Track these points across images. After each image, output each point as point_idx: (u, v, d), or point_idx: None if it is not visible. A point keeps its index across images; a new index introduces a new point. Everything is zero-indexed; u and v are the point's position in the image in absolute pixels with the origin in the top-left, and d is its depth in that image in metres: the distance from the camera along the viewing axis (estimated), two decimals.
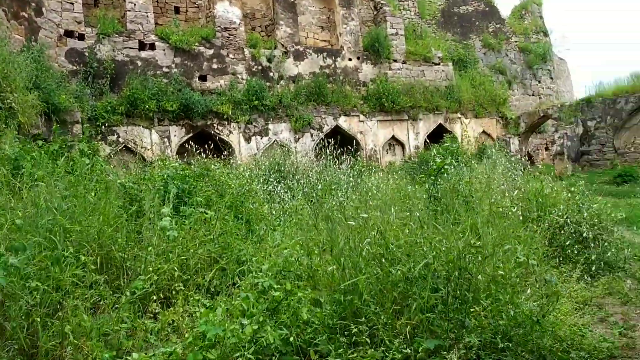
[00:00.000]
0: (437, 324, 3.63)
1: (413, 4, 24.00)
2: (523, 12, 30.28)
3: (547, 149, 26.03)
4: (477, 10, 27.89)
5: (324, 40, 21.65)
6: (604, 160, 20.12)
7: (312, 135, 18.52)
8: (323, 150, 14.88)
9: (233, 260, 5.19)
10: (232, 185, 7.63)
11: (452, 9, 27.10)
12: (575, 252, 6.20)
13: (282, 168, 12.65)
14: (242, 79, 17.85)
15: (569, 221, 6.50)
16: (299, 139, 18.26)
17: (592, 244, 6.27)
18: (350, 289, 3.83)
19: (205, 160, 11.33)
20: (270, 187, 10.28)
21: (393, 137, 20.82)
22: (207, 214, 5.70)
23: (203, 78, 17.28)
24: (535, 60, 29.04)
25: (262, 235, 6.20)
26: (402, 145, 21.12)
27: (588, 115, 20.66)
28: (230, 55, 17.80)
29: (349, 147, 17.42)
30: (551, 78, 30.46)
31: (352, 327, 3.59)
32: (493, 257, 4.46)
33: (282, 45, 19.13)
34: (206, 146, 14.43)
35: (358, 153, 18.95)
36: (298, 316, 3.66)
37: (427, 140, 20.67)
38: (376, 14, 22.42)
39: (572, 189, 7.18)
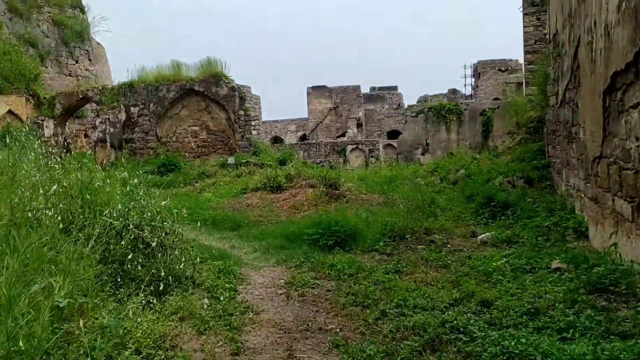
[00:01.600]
0: None
1: None
2: None
3: (87, 135, 24.09)
4: None
5: None
6: (147, 148, 19.77)
7: None
8: None
9: None
10: None
11: None
12: (140, 266, 4.65)
13: None
14: None
15: (129, 225, 4.90)
16: None
17: (159, 254, 4.86)
18: None
19: None
20: None
21: None
22: None
23: None
24: (72, 37, 26.61)
25: None
26: None
27: (131, 100, 19.88)
28: None
29: None
30: (90, 60, 28.66)
31: None
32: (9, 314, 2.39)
33: None
34: None
35: None
36: None
37: None
38: None
39: (134, 180, 5.61)
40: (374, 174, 15.82)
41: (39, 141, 17.02)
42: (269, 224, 9.56)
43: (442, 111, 18.72)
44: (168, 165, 17.88)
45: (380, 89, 69.81)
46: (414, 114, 19.68)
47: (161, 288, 4.56)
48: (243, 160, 17.87)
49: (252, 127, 19.21)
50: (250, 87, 20.57)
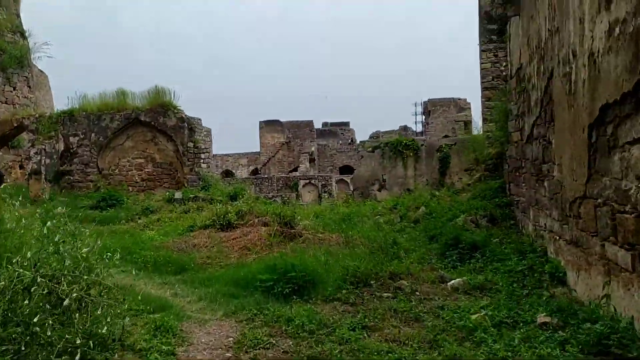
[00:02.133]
0: None
1: None
2: None
3: (22, 167, 22.50)
4: None
5: None
6: (87, 181, 18.50)
7: None
8: None
9: None
10: None
11: None
12: (50, 330, 3.76)
13: None
14: None
15: (40, 277, 4.00)
16: None
17: (76, 313, 3.95)
18: None
19: None
20: None
21: None
22: None
23: None
24: (11, 63, 25.12)
25: None
26: None
27: (71, 130, 18.66)
28: None
29: None
30: (29, 87, 27.14)
31: None
32: None
33: None
34: None
35: None
36: None
37: None
38: None
39: (51, 221, 4.70)
40: (330, 211, 15.17)
41: None
42: (217, 267, 8.69)
43: (399, 147, 18.42)
44: (109, 200, 16.69)
45: (333, 124, 70.34)
46: (370, 149, 19.31)
47: (77, 358, 3.66)
48: (191, 195, 16.90)
49: (202, 160, 18.32)
50: (200, 119, 19.78)
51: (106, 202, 16.68)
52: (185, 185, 18.24)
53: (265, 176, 47.85)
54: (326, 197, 42.80)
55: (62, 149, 18.57)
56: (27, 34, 28.37)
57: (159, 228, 14.58)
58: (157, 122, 18.36)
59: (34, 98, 27.40)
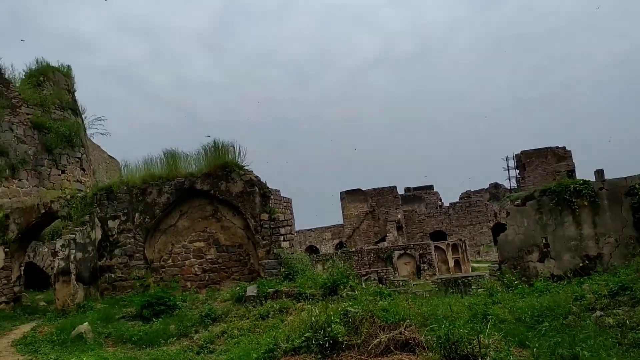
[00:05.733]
0: None
1: None
2: (42, 79, 22.92)
3: None
4: None
5: None
6: (132, 279, 13.66)
7: None
8: None
9: None
10: None
11: None
12: None
13: None
14: None
15: None
16: None
17: None
18: None
19: None
20: None
21: None
22: None
23: None
24: (58, 143, 21.73)
25: None
26: None
27: (109, 211, 14.15)
28: None
29: None
30: (83, 169, 23.62)
31: None
32: None
33: None
34: None
35: None
36: None
37: None
38: None
39: None
40: (492, 306, 9.24)
41: None
42: None
43: (564, 193, 12.42)
44: (156, 305, 11.69)
45: (416, 189, 65.98)
46: (518, 201, 13.34)
47: None
48: (270, 290, 11.59)
49: (282, 237, 13.06)
50: (279, 190, 14.90)
51: (152, 308, 11.68)
52: (261, 274, 12.99)
53: (353, 250, 42.33)
54: (425, 268, 36.58)
55: (100, 237, 13.98)
56: (81, 110, 25.43)
57: (223, 351, 9.28)
58: (218, 190, 13.49)
59: (90, 182, 23.80)
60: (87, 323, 11.19)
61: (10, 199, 18.55)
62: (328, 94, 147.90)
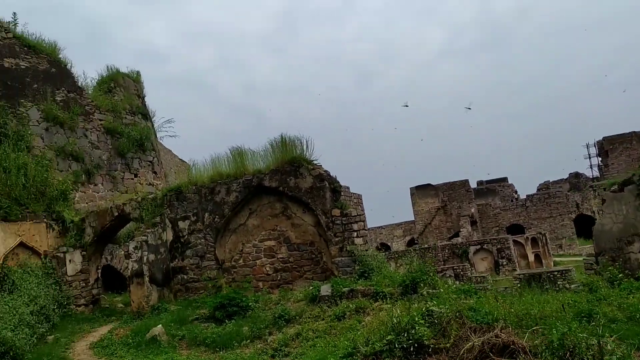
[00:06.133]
0: None
1: None
2: (112, 85, 23.47)
3: None
4: (37, 69, 19.66)
5: None
6: (203, 280, 13.48)
7: None
8: None
9: None
10: None
11: None
12: None
13: None
14: None
15: None
16: None
17: None
18: None
19: None
20: None
21: None
22: None
23: None
24: (129, 147, 22.16)
25: None
26: None
27: (179, 212, 14.05)
28: None
29: None
30: (154, 172, 24.03)
31: None
32: None
33: None
34: None
35: None
36: None
37: None
38: None
39: None
40: (597, 303, 8.19)
41: (54, 287, 11.17)
42: None
43: None
44: (229, 306, 11.40)
45: (489, 182, 63.31)
46: (614, 187, 12.03)
47: None
48: (345, 289, 11.01)
49: (355, 234, 12.44)
50: (348, 187, 14.28)
51: (225, 309, 11.39)
52: (335, 273, 12.43)
53: (427, 246, 41.03)
54: (504, 263, 34.85)
55: (171, 238, 13.91)
56: (151, 114, 25.91)
57: (298, 354, 8.78)
58: (287, 186, 13.05)
59: (162, 184, 24.17)
60: (160, 325, 11.07)
61: (87, 203, 19.02)
62: (393, 89, 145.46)
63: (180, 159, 36.70)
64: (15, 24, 20.55)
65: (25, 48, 19.74)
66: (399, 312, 7.81)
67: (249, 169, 13.62)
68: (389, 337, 7.18)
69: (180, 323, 11.58)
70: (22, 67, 19.17)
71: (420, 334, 6.93)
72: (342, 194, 13.19)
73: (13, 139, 16.35)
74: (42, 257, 14.30)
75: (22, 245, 14.27)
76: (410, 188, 58.03)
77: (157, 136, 26.27)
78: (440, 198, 57.31)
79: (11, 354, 9.81)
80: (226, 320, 11.08)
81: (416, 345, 6.83)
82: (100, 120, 21.62)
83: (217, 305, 11.61)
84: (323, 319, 10.32)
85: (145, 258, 13.23)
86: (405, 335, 7.03)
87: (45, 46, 20.72)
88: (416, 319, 7.28)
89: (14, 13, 20.94)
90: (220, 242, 13.85)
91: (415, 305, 8.32)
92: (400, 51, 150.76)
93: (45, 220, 14.89)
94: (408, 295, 10.10)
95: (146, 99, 26.09)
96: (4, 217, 13.75)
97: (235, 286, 13.14)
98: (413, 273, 10.59)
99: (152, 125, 25.66)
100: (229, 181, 13.58)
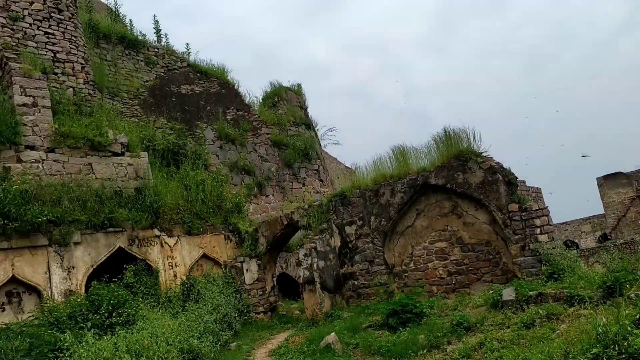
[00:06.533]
0: None
1: (82, 67, 15.97)
2: (276, 100, 24.49)
3: None
4: (209, 91, 21.19)
5: None
6: (374, 285, 13.09)
7: None
8: None
9: None
10: None
11: (167, 87, 19.93)
12: None
13: None
14: None
15: None
16: None
17: None
18: None
19: None
20: None
21: (14, 279, 11.60)
22: None
23: None
24: (295, 157, 22.86)
25: None
26: (38, 292, 11.92)
27: (345, 217, 13.86)
28: None
29: None
30: (321, 180, 24.48)
31: None
32: None
33: None
34: None
35: None
36: None
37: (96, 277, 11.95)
38: None
39: None
40: None
41: (234, 295, 11.85)
42: None
43: None
44: (401, 313, 10.82)
45: None
46: None
47: None
48: (531, 293, 9.76)
49: (539, 230, 11.06)
50: (524, 181, 12.92)
51: (398, 316, 10.83)
52: (517, 274, 11.17)
53: (622, 242, 36.26)
54: None
55: (339, 244, 13.78)
56: (314, 124, 26.55)
57: None
58: (455, 182, 12.11)
59: (329, 191, 24.56)
60: (334, 333, 10.85)
61: (260, 214, 19.93)
62: (568, 73, 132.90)
63: (345, 166, 37.28)
64: (189, 53, 22.55)
65: (198, 74, 21.46)
66: (604, 319, 6.53)
67: (412, 167, 12.95)
68: (594, 349, 5.98)
69: (353, 331, 11.28)
70: (197, 91, 20.83)
71: (636, 346, 5.66)
72: (517, 188, 11.87)
73: (192, 159, 17.73)
74: (222, 267, 15.14)
75: (204, 256, 15.28)
76: (597, 178, 52.18)
77: (321, 145, 26.88)
78: (635, 187, 50.71)
79: None
80: (400, 328, 10.49)
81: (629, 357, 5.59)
82: (267, 134, 22.65)
83: (390, 312, 11.08)
84: (508, 327, 9.20)
85: (315, 265, 13.24)
86: (617, 347, 5.80)
87: (215, 70, 22.36)
88: (628, 327, 5.99)
89: (187, 43, 23.06)
90: (389, 245, 13.34)
91: (625, 310, 6.94)
92: (574, 30, 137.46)
93: (223, 232, 15.80)
94: (611, 299, 8.57)
95: (309, 110, 26.89)
96: (188, 231, 14.83)
97: (407, 291, 12.50)
98: (615, 272, 8.98)
99: (316, 135, 26.31)
100: (393, 182, 13.03)
